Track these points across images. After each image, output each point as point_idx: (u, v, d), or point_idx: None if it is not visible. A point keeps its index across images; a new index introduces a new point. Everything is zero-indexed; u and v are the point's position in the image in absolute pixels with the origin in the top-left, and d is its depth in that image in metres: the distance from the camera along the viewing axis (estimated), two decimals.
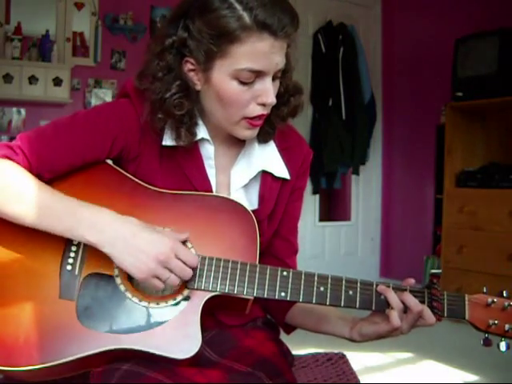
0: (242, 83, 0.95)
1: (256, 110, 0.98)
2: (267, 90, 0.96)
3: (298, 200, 1.16)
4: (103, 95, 3.58)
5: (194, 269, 0.92)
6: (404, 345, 2.97)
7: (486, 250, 3.25)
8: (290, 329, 1.17)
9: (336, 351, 1.24)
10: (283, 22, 0.92)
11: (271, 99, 0.97)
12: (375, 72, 4.46)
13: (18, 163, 0.94)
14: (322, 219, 4.45)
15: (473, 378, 2.56)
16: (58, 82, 3.30)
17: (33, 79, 3.23)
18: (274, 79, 0.98)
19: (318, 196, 4.34)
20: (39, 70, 3.25)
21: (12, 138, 1.02)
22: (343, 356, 1.22)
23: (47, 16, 3.42)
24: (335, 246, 4.45)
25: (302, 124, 4.13)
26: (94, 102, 3.54)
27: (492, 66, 3.27)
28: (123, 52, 3.65)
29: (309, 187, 4.25)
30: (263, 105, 0.98)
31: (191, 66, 0.98)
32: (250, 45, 0.92)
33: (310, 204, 4.30)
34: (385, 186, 4.61)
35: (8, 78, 3.18)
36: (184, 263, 0.91)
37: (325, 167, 4.09)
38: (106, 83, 3.59)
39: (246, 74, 0.94)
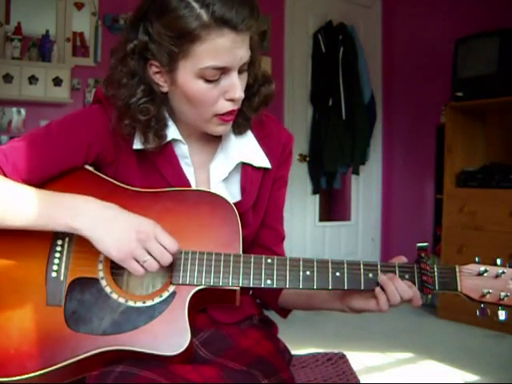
0: (208, 81, 0.94)
1: (226, 106, 0.97)
2: (234, 85, 0.95)
3: (281, 188, 1.16)
4: None
5: (174, 255, 0.92)
6: (404, 345, 2.98)
7: (486, 249, 3.25)
8: (285, 312, 1.17)
9: (336, 351, 1.24)
10: (242, 15, 0.90)
11: (239, 94, 0.96)
12: (375, 72, 4.46)
13: None
14: (322, 219, 4.44)
15: (473, 377, 2.56)
16: (57, 82, 3.30)
17: (33, 79, 3.23)
18: (240, 72, 0.97)
19: (317, 196, 4.34)
20: (39, 69, 3.24)
21: (12, 138, 1.03)
22: (343, 356, 1.22)
23: (47, 16, 3.42)
24: (335, 246, 4.45)
25: (302, 124, 4.14)
26: None
27: (492, 66, 3.27)
28: None
29: (309, 187, 4.25)
30: (232, 100, 0.97)
31: (156, 69, 0.98)
32: (211, 42, 0.90)
33: (310, 204, 4.30)
34: (385, 186, 4.61)
35: (8, 78, 3.17)
36: (164, 248, 0.91)
37: (325, 167, 4.09)
38: None
39: (211, 71, 0.93)
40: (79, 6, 3.49)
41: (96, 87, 3.56)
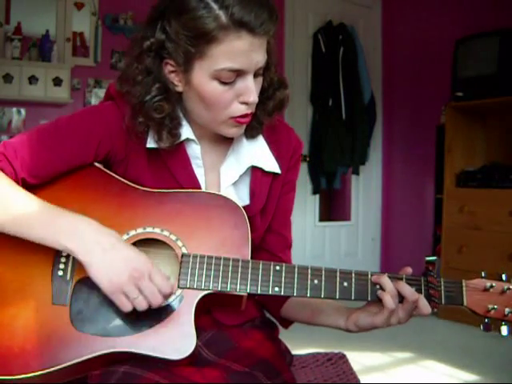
0: (223, 83, 0.94)
1: (240, 109, 0.97)
2: (249, 89, 0.95)
3: (289, 193, 1.16)
4: (103, 95, 3.57)
5: (166, 297, 0.90)
6: (404, 345, 2.98)
7: (486, 249, 3.25)
8: (286, 323, 1.16)
9: (336, 351, 1.24)
10: (261, 19, 0.89)
11: (253, 98, 0.95)
12: (375, 72, 4.46)
13: (0, 169, 0.93)
14: (322, 219, 4.45)
15: (473, 377, 2.56)
16: (57, 82, 3.30)
17: (33, 79, 3.23)
18: (256, 76, 0.96)
19: (317, 196, 4.34)
20: (39, 69, 3.25)
21: (12, 138, 1.02)
22: (343, 356, 1.22)
23: (47, 16, 3.42)
24: (335, 246, 4.45)
25: (302, 124, 4.14)
26: (94, 101, 3.54)
27: (492, 66, 3.27)
28: (123, 52, 3.65)
29: (309, 187, 4.25)
30: (246, 103, 0.96)
31: (171, 68, 0.97)
32: (228, 44, 0.90)
33: (310, 204, 4.30)
34: (385, 186, 4.61)
35: (8, 78, 3.17)
36: (158, 289, 0.89)
37: (325, 167, 4.09)
38: (106, 83, 3.59)
39: (226, 73, 0.92)
40: (79, 6, 3.50)
41: (94, 86, 3.56)
